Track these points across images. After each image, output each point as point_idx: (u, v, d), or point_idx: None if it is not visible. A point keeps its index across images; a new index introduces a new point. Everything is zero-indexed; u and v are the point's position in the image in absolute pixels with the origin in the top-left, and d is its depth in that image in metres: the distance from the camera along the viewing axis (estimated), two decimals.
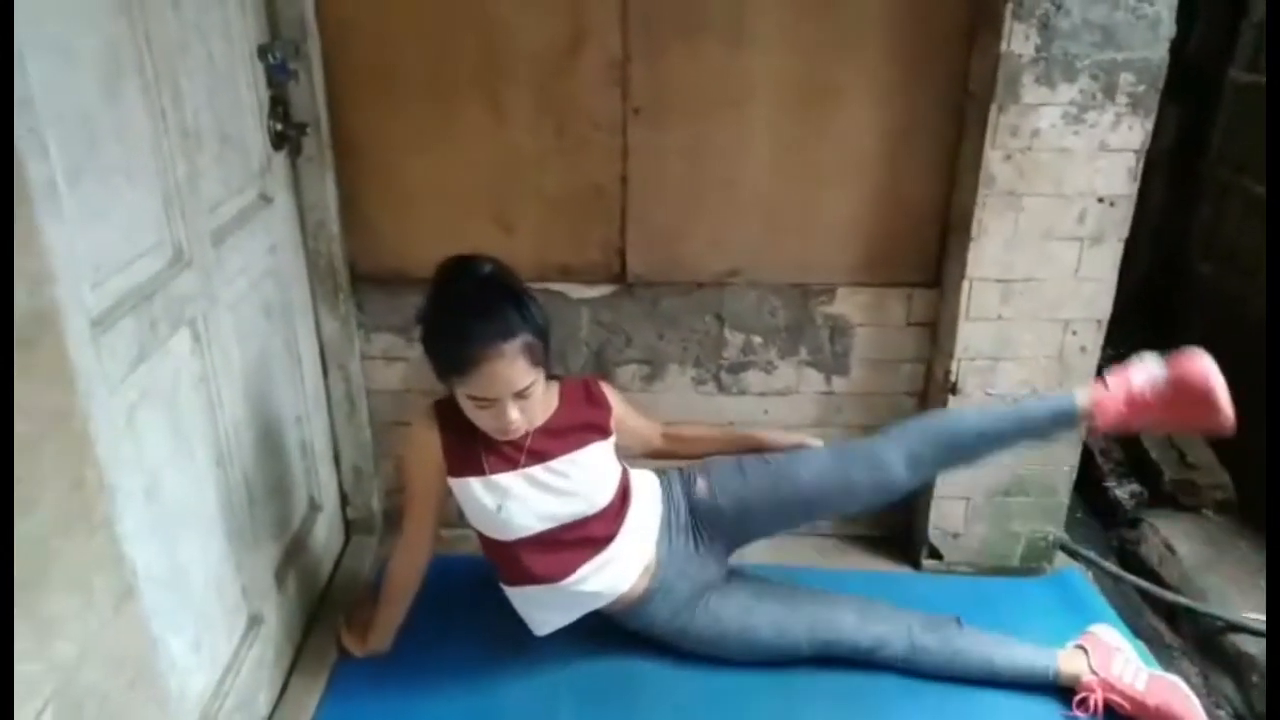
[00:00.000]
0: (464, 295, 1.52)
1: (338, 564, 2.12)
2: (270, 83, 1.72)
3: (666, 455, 1.90)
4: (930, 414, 1.78)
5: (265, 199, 1.72)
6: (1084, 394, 1.68)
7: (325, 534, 2.05)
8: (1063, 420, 1.69)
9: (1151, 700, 1.64)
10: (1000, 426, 1.72)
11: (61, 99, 1.06)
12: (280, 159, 1.79)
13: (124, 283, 1.22)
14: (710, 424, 1.92)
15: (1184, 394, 1.58)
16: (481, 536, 1.71)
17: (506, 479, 1.62)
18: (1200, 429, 1.62)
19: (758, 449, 1.83)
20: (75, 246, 1.08)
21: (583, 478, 1.65)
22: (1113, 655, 1.71)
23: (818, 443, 1.82)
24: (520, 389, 1.52)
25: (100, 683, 1.01)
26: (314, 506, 2.00)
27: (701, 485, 1.79)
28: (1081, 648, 1.74)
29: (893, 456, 1.72)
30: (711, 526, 1.78)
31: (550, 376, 1.73)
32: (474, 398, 1.54)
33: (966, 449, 1.74)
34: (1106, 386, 1.65)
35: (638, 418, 1.85)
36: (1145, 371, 1.63)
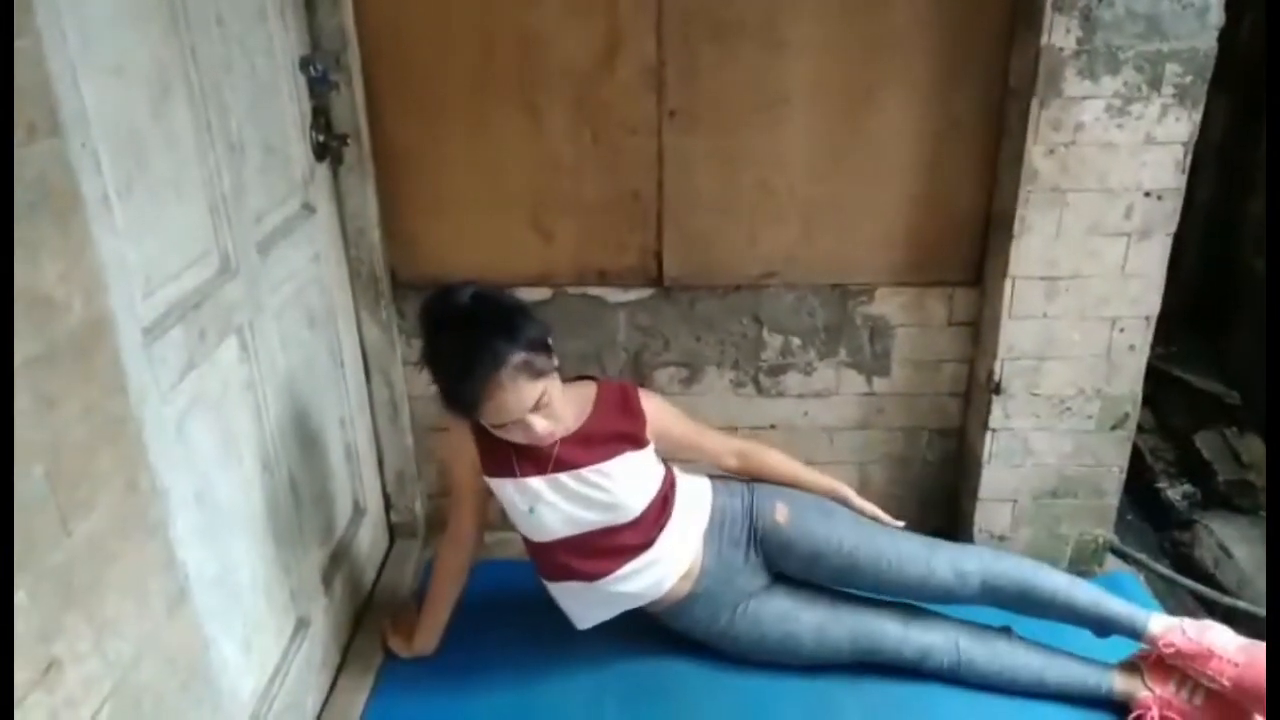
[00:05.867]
0: (449, 336, 1.52)
1: (382, 567, 2.15)
2: (312, 94, 1.76)
3: (735, 474, 1.84)
4: (1025, 560, 1.75)
5: (308, 209, 1.76)
6: (1160, 622, 1.64)
7: (370, 537, 2.08)
8: (1128, 633, 1.66)
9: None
10: (1075, 605, 1.67)
11: (113, 116, 1.10)
12: (322, 169, 1.83)
13: (173, 292, 1.25)
14: (796, 464, 1.84)
15: (1249, 691, 1.56)
16: (522, 533, 1.73)
17: (536, 483, 1.63)
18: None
19: (835, 499, 1.79)
20: (127, 257, 1.12)
21: (614, 488, 1.63)
22: (1170, 674, 1.65)
23: (898, 523, 1.77)
24: (532, 405, 1.52)
25: (155, 682, 1.04)
26: (359, 510, 2.03)
27: (782, 512, 1.74)
28: (1138, 662, 1.69)
29: (974, 579, 1.69)
30: (771, 552, 1.75)
31: (586, 378, 1.75)
32: (494, 425, 1.56)
33: (1035, 606, 1.69)
34: (1184, 628, 1.62)
35: (697, 430, 1.81)
36: (1222, 640, 1.61)
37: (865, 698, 1.71)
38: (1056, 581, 1.70)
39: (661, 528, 1.69)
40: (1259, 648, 1.59)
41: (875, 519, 1.78)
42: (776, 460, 1.84)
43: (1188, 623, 1.64)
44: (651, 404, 1.74)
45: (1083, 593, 1.69)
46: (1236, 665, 1.57)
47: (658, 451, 1.74)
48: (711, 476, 1.81)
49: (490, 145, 1.94)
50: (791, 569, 1.77)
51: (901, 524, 1.78)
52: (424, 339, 1.57)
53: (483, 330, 1.49)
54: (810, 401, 2.15)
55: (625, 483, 1.65)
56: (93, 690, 0.92)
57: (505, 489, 1.66)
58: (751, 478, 1.83)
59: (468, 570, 1.80)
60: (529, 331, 1.52)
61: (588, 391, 1.71)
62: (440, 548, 1.83)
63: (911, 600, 1.75)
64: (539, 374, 1.52)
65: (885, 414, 2.16)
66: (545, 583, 1.75)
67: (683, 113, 1.90)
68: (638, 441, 1.69)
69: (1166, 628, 1.64)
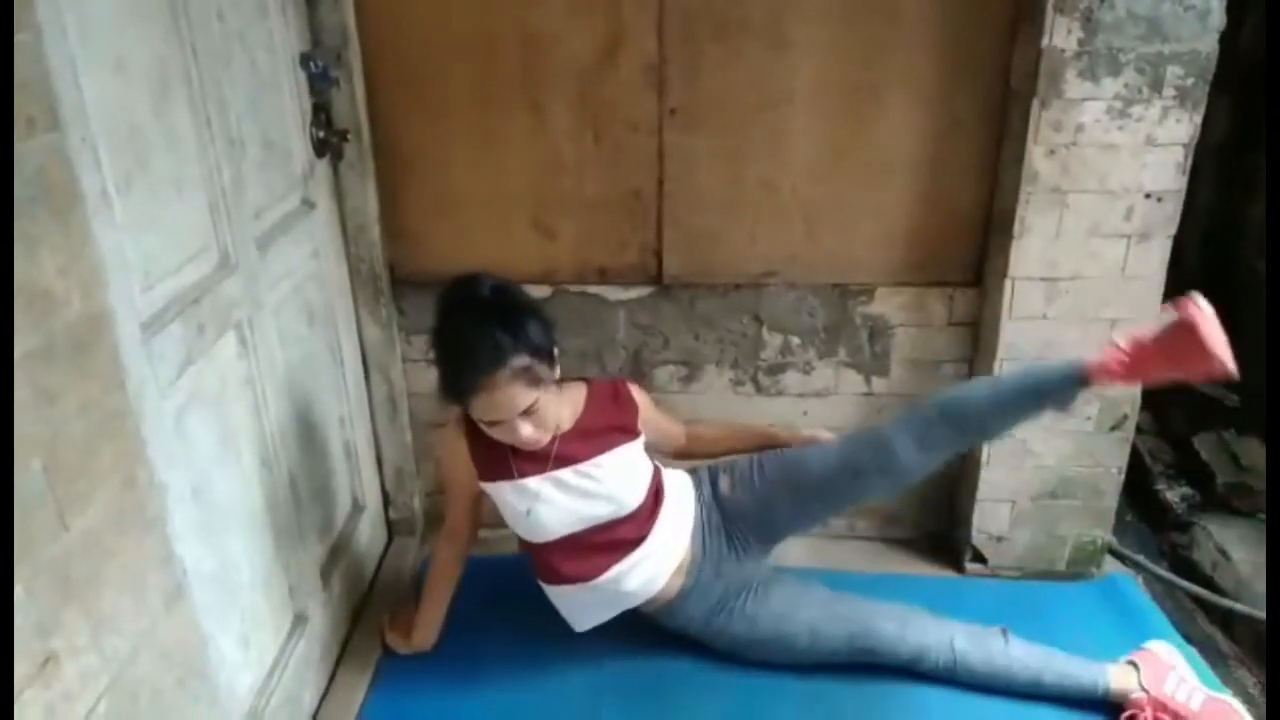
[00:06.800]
0: (459, 322, 1.53)
1: (380, 563, 2.15)
2: (312, 90, 1.76)
3: (692, 455, 1.91)
4: (940, 391, 1.72)
5: (308, 205, 1.76)
6: (1094, 353, 1.59)
7: (368, 534, 2.08)
8: (1072, 377, 1.58)
9: None
10: (1009, 394, 1.65)
11: (112, 111, 1.10)
12: (322, 165, 1.83)
13: (172, 287, 1.25)
14: (729, 422, 1.94)
15: (1183, 338, 1.45)
16: (518, 535, 1.73)
17: (535, 483, 1.64)
18: (1199, 374, 1.49)
19: (774, 445, 1.85)
20: (126, 252, 1.12)
21: (611, 479, 1.66)
22: (1166, 673, 1.65)
23: (830, 435, 1.82)
24: (522, 409, 1.53)
25: (152, 677, 1.04)
26: (357, 507, 2.03)
27: (725, 483, 1.80)
28: (1133, 664, 1.69)
29: (901, 438, 1.66)
30: (740, 525, 1.78)
31: (578, 378, 1.76)
32: (482, 420, 1.57)
33: (979, 422, 1.66)
34: (1119, 344, 1.55)
35: (664, 418, 1.87)
36: (1152, 324, 1.54)
37: (861, 697, 1.72)
38: (974, 387, 1.75)
39: (655, 520, 1.70)
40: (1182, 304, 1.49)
41: (811, 440, 1.83)
42: (716, 430, 1.94)
43: (1123, 342, 1.54)
44: (638, 394, 1.79)
45: (1009, 381, 1.71)
46: (1168, 326, 1.49)
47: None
48: (686, 470, 1.85)
49: (491, 143, 1.94)
50: (761, 530, 1.78)
51: (832, 436, 1.83)
52: (436, 318, 1.58)
53: (493, 325, 1.50)
54: (809, 401, 2.15)
55: (622, 473, 1.67)
56: (90, 685, 0.92)
57: (502, 493, 1.66)
58: (702, 451, 1.90)
59: (463, 561, 1.82)
60: (537, 338, 1.53)
61: (579, 390, 1.73)
62: (438, 542, 1.84)
63: (867, 493, 1.77)
64: (536, 382, 1.52)
65: (884, 414, 2.15)
66: (542, 585, 1.76)
67: (684, 111, 1.90)
68: (631, 431, 1.72)
69: (1105, 356, 1.55)
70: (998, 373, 1.74)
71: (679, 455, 1.91)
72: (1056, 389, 1.61)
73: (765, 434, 1.89)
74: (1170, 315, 1.49)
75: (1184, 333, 1.45)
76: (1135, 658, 1.70)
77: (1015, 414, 1.65)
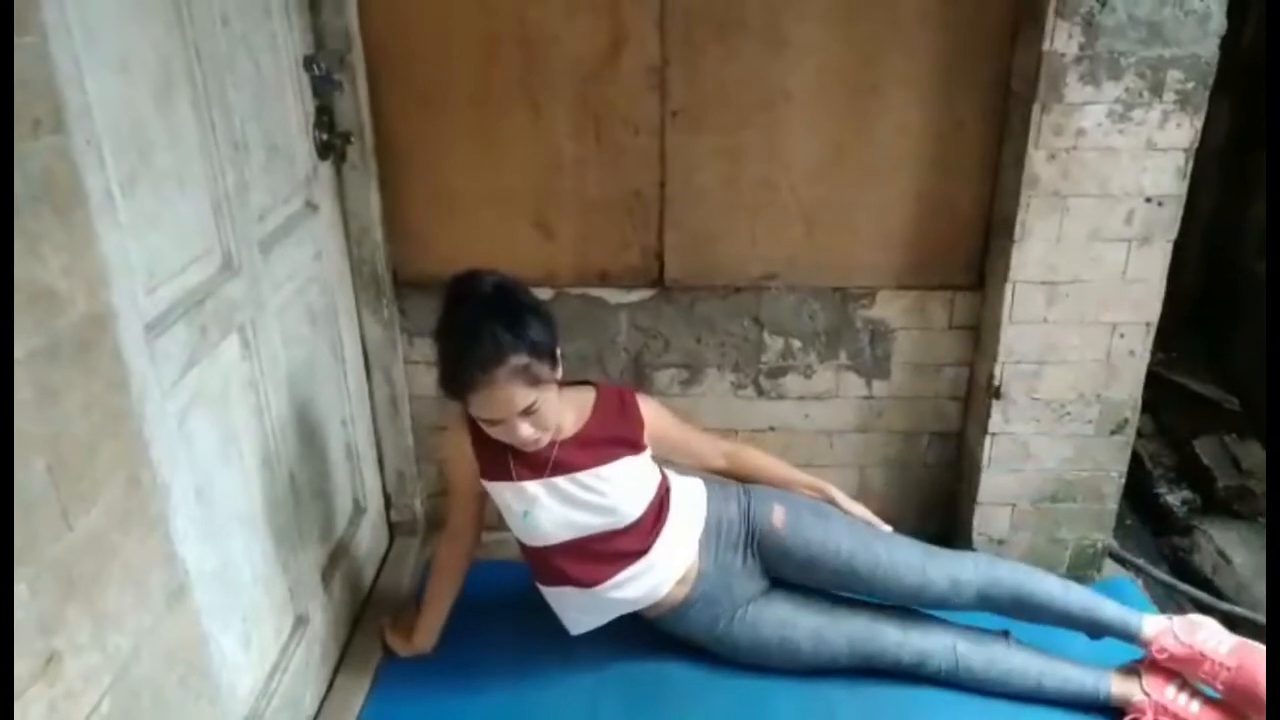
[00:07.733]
0: (460, 318, 1.53)
1: (381, 565, 2.15)
2: (316, 93, 1.76)
3: (723, 475, 1.85)
4: (1020, 566, 1.75)
5: (311, 207, 1.76)
6: (1153, 624, 1.65)
7: (369, 536, 2.08)
8: (1124, 636, 1.68)
9: None
10: (1069, 611, 1.69)
11: (117, 112, 1.10)
12: (326, 168, 1.83)
13: (176, 289, 1.26)
14: (782, 464, 1.86)
15: (1242, 693, 1.57)
16: (517, 538, 1.73)
17: (533, 486, 1.63)
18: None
19: (824, 500, 1.81)
20: (130, 253, 1.12)
21: (611, 492, 1.64)
22: (1169, 679, 1.65)
23: (887, 527, 1.78)
24: (521, 409, 1.51)
25: (154, 676, 1.04)
26: (358, 509, 2.03)
27: (779, 516, 1.74)
28: (1135, 669, 1.69)
29: (969, 587, 1.70)
30: (767, 556, 1.75)
31: (585, 383, 1.75)
32: (480, 418, 1.56)
33: (1029, 612, 1.70)
34: (1174, 630, 1.64)
35: (690, 433, 1.83)
36: (1213, 641, 1.62)
37: (862, 700, 1.71)
38: (1051, 588, 1.70)
39: (658, 534, 1.69)
40: (1250, 648, 1.59)
41: (868, 523, 1.78)
42: (764, 461, 1.86)
43: (1178, 623, 1.65)
44: (649, 408, 1.75)
45: (1076, 598, 1.70)
46: (1229, 669, 1.58)
47: (652, 455, 1.74)
48: (706, 480, 1.82)
49: (493, 144, 1.94)
50: (788, 573, 1.77)
51: (890, 529, 1.78)
52: (440, 312, 1.57)
53: (494, 322, 1.49)
54: (810, 404, 2.15)
55: (623, 487, 1.65)
56: (92, 683, 0.93)
57: (502, 493, 1.66)
58: (739, 479, 1.84)
59: (466, 564, 1.81)
60: (537, 336, 1.51)
61: (587, 396, 1.71)
62: (439, 546, 1.84)
63: (903, 604, 1.76)
64: (535, 381, 1.51)
65: (885, 417, 2.16)
66: (540, 587, 1.75)
67: (685, 113, 1.91)
68: (636, 445, 1.70)
69: (1158, 630, 1.64)
70: (1066, 581, 1.75)
71: (711, 472, 1.85)
72: (1102, 630, 1.69)
73: (824, 493, 1.82)
74: (1236, 655, 1.59)
75: (1245, 689, 1.57)
76: (1136, 663, 1.70)
77: (1061, 624, 1.71)
